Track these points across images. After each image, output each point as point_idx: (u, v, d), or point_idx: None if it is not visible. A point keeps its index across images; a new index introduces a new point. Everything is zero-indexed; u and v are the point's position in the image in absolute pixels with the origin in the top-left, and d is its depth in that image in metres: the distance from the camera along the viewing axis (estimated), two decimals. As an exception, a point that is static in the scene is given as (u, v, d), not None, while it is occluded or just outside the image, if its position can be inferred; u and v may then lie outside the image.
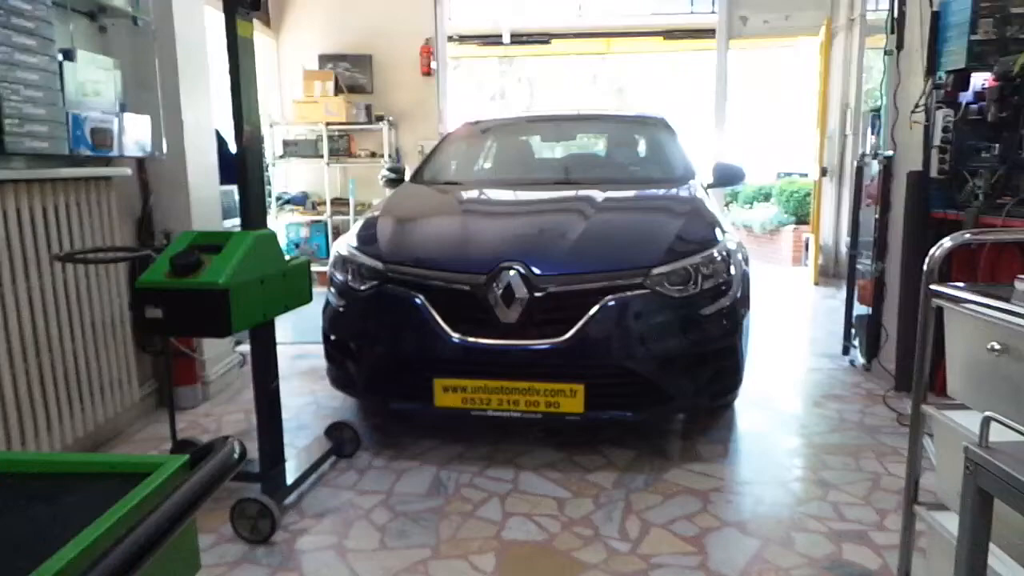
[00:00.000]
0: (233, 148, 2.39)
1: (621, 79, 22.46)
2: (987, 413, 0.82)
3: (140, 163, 3.21)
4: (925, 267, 1.21)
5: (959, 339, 1.12)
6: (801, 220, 9.67)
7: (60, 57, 2.54)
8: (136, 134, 2.93)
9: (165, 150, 3.18)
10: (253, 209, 2.37)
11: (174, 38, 3.26)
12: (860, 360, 3.96)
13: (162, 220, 3.30)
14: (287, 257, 2.46)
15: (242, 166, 2.33)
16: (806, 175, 10.38)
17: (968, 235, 1.24)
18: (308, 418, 3.29)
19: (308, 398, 3.57)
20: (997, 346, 0.97)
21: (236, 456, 0.92)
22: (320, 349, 3.09)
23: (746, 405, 3.37)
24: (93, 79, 2.71)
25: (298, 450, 2.71)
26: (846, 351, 4.17)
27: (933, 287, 1.18)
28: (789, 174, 11.60)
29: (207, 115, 3.54)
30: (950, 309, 1.15)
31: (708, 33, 7.59)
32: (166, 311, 2.14)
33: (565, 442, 2.92)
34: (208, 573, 2.04)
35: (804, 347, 4.56)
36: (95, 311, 2.78)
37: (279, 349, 2.57)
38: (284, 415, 2.80)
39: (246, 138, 2.31)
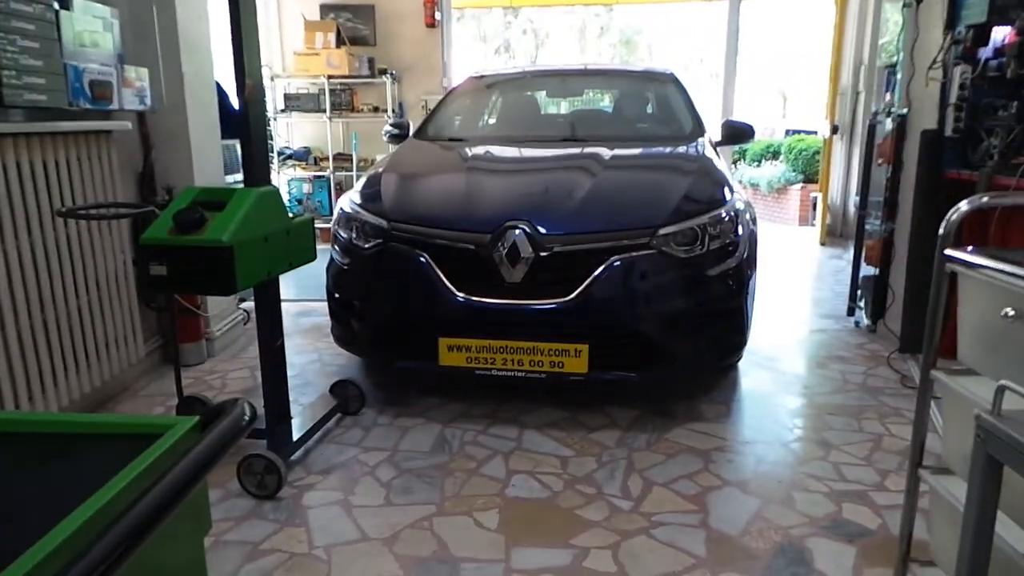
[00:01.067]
0: (235, 101, 2.35)
1: (629, 32, 21.99)
2: (1002, 381, 0.81)
3: (141, 117, 3.17)
4: (940, 231, 1.18)
5: (972, 305, 1.10)
6: (809, 179, 9.56)
7: (56, 5, 2.47)
8: (136, 87, 2.88)
9: (165, 103, 3.13)
10: (256, 165, 2.34)
11: (172, -12, 3.18)
12: (865, 321, 3.95)
13: (163, 175, 3.26)
14: (291, 214, 2.44)
15: (244, 121, 2.29)
16: (815, 133, 10.24)
17: (986, 198, 1.21)
18: (313, 375, 3.31)
19: (312, 355, 3.58)
20: (1011, 312, 0.96)
21: (247, 418, 0.92)
22: (324, 306, 3.10)
23: (750, 365, 3.37)
24: (90, 29, 2.65)
25: (303, 407, 2.73)
26: (851, 312, 4.16)
27: (948, 252, 1.15)
28: (797, 131, 11.44)
29: (208, 67, 3.48)
30: (964, 274, 1.13)
31: (719, -16, 7.38)
32: (170, 268, 2.13)
33: (568, 401, 2.94)
34: (216, 528, 2.07)
35: (809, 307, 4.55)
36: (98, 267, 2.77)
37: (283, 306, 2.56)
38: (289, 372, 2.81)
39: (248, 93, 2.26)
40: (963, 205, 1.17)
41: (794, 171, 9.81)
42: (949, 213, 1.19)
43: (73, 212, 2.35)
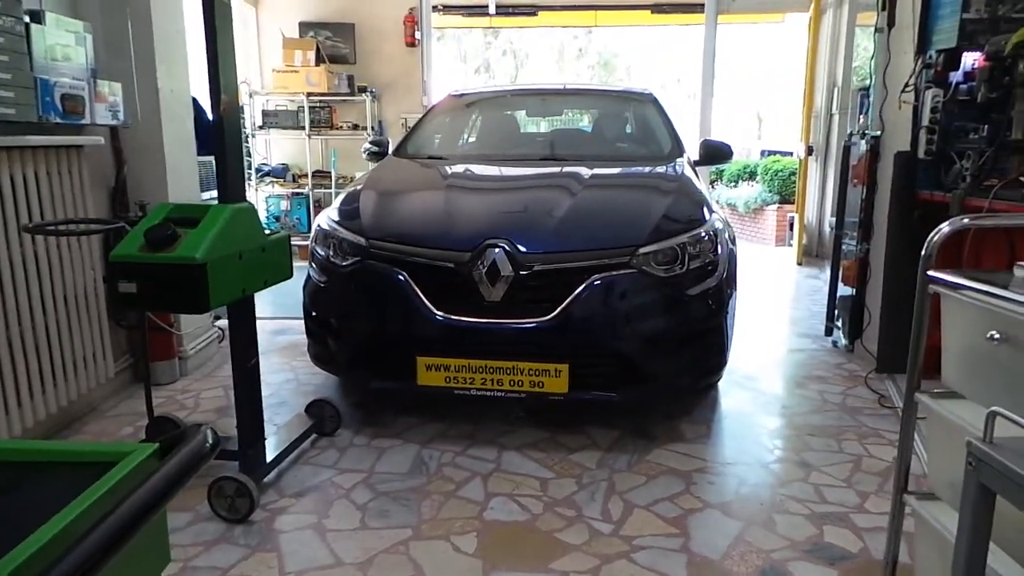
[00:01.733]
0: (212, 117, 2.31)
1: (607, 53, 22.25)
2: (993, 408, 0.80)
3: (114, 132, 3.11)
4: (923, 252, 1.18)
5: (956, 327, 1.09)
6: (785, 199, 9.68)
7: (27, 19, 2.42)
8: (109, 101, 2.83)
9: (139, 118, 3.08)
10: (231, 181, 2.29)
11: (149, 3, 3.14)
12: (843, 341, 3.98)
13: (137, 191, 3.20)
14: (267, 231, 2.40)
15: (219, 137, 2.25)
16: (790, 154, 10.39)
17: (967, 220, 1.22)
18: (288, 394, 3.25)
19: (288, 374, 3.52)
20: (996, 335, 0.95)
21: (209, 445, 0.87)
22: (301, 324, 3.04)
23: (729, 385, 3.37)
24: (63, 43, 2.60)
25: (278, 428, 2.67)
26: (829, 332, 4.18)
27: (931, 273, 1.15)
28: (773, 152, 11.60)
29: (184, 83, 3.43)
30: (948, 296, 1.13)
31: (696, 7, 7.49)
32: (140, 286, 2.08)
33: (548, 421, 2.91)
34: (184, 552, 2.00)
35: (787, 327, 4.57)
36: (67, 284, 2.70)
37: (259, 324, 2.51)
38: (264, 391, 2.74)
39: (224, 107, 2.23)
40: (945, 227, 1.17)
41: (770, 191, 9.93)
42: (931, 235, 1.19)
43: (41, 228, 2.29)
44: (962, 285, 1.05)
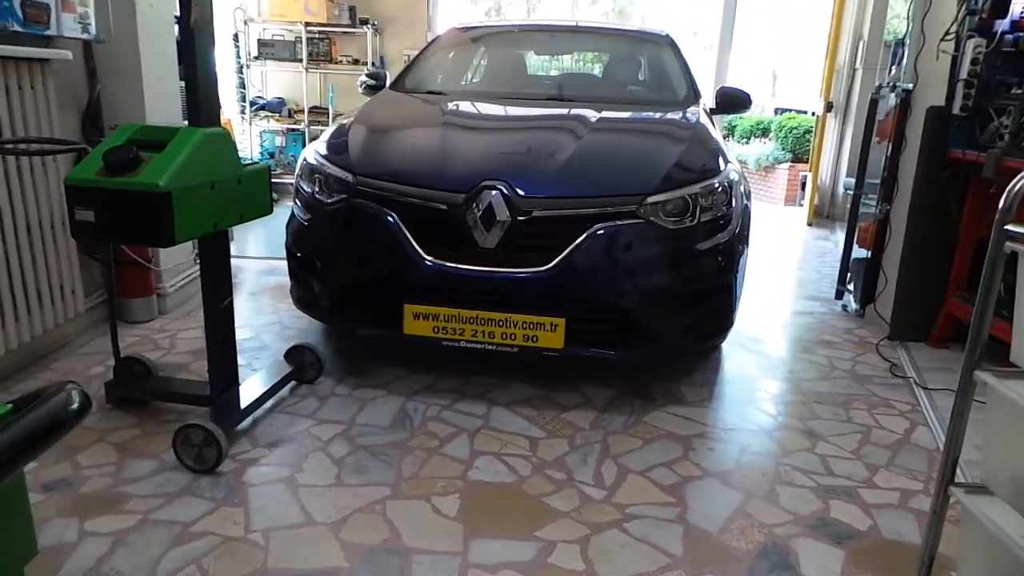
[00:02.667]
0: (178, 28, 2.08)
1: (623, 1, 21.53)
2: None
3: (87, 48, 2.87)
4: (1001, 204, 0.99)
5: None
6: (798, 158, 9.40)
7: (-20, -89, 2.18)
8: (78, 12, 2.59)
9: (113, 34, 2.84)
10: (203, 103, 2.08)
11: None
12: (853, 305, 3.80)
13: (112, 114, 2.98)
14: (245, 162, 2.20)
15: (189, 52, 2.03)
16: (805, 112, 10.04)
17: None
18: (270, 338, 3.09)
19: (272, 317, 3.35)
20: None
21: (74, 408, 0.69)
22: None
23: (733, 347, 3.21)
24: (23, -58, 2.35)
25: (254, 373, 2.51)
26: (839, 295, 4.01)
27: (1009, 227, 0.96)
28: (787, 110, 11.23)
29: (164, -1, 3.18)
30: None
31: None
32: (99, 214, 1.89)
33: (541, 377, 2.75)
34: (143, 504, 1.87)
35: (794, 288, 4.39)
36: (29, 210, 2.50)
37: (247, 263, 2.34)
38: (246, 334, 2.59)
39: (194, 20, 2.00)
40: (1027, 178, 0.98)
41: (783, 149, 9.64)
42: (1012, 183, 1.00)
43: (-7, 146, 2.09)
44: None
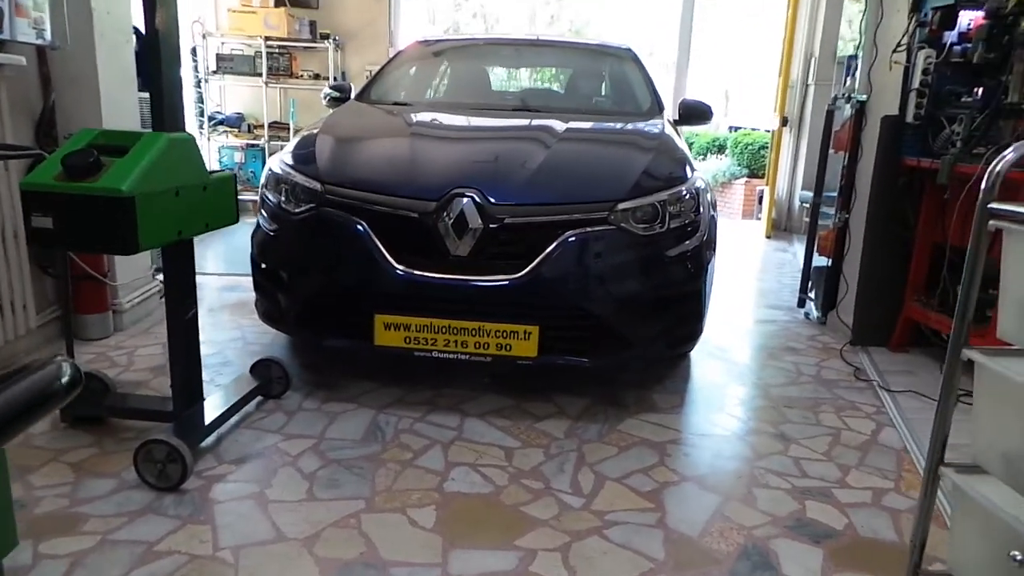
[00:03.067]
0: (144, 30, 2.03)
1: (580, 22, 21.86)
2: None
3: (40, 55, 2.78)
4: (984, 184, 1.02)
5: (1021, 266, 0.93)
6: (754, 173, 9.63)
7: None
8: (32, 17, 2.51)
9: (69, 41, 2.75)
10: (168, 108, 2.03)
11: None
12: (815, 313, 3.88)
13: (66, 124, 2.89)
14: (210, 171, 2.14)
15: (154, 56, 1.98)
16: (757, 130, 10.29)
17: None
18: (233, 354, 3.00)
19: (235, 332, 3.26)
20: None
21: (64, 382, 0.65)
22: (249, 282, 2.79)
23: (701, 355, 3.23)
24: (-27, -56, 2.27)
25: (219, 388, 2.43)
26: (802, 303, 4.08)
27: (993, 205, 0.98)
28: (739, 128, 11.51)
29: (123, 4, 3.10)
30: (1012, 231, 0.97)
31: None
32: (57, 220, 1.82)
33: (514, 388, 2.73)
34: (104, 524, 1.78)
35: (757, 299, 4.46)
36: (-20, 222, 2.40)
37: (206, 280, 2.28)
38: (208, 350, 2.51)
39: (159, 21, 1.95)
40: (1009, 154, 1.01)
41: (739, 165, 9.87)
42: (993, 163, 1.02)
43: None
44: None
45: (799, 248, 4.98)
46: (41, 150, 2.31)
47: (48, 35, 2.62)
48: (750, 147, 9.78)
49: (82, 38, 2.87)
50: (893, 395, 2.84)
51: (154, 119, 2.04)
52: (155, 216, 1.87)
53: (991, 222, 0.98)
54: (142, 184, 1.81)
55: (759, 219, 7.76)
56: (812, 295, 3.97)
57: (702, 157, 10.79)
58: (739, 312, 4.05)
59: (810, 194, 4.16)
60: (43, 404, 0.63)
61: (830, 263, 3.71)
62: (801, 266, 4.14)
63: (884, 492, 2.11)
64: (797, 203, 6.93)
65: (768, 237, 6.76)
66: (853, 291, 3.50)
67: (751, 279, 5.04)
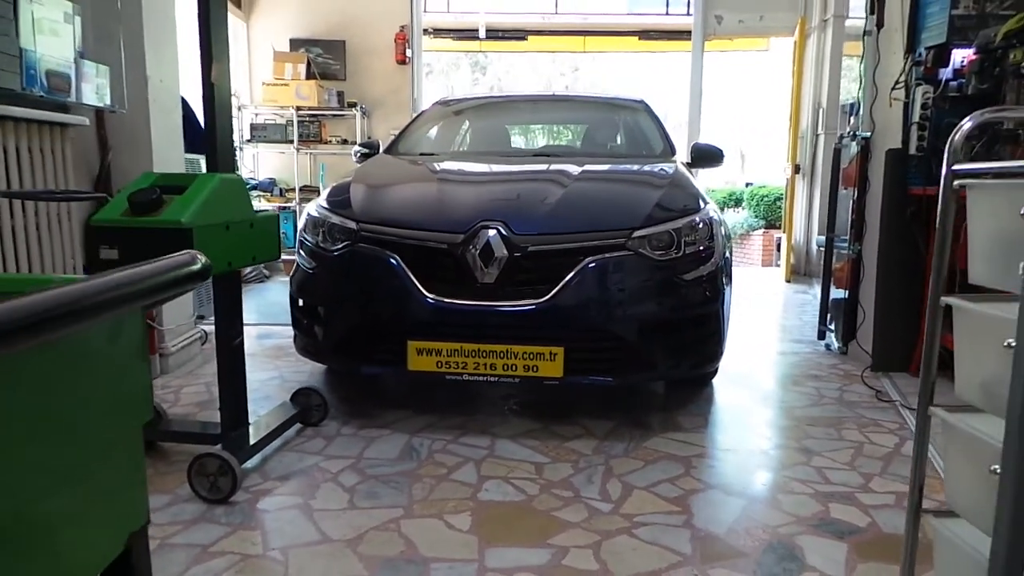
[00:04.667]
0: (199, 114, 2.27)
1: (593, 91, 22.60)
2: None
3: (100, 117, 3.06)
4: (947, 149, 1.15)
5: (985, 216, 1.06)
6: (771, 224, 9.79)
7: (14, -10, 2.39)
8: (95, 83, 2.78)
9: (127, 105, 3.03)
10: (221, 150, 2.24)
11: (140, -9, 3.12)
12: (836, 344, 3.94)
13: (121, 180, 3.14)
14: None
15: (210, 104, 2.20)
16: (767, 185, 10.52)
17: (987, 113, 1.19)
18: (272, 390, 3.14)
19: (273, 372, 3.41)
20: (1032, 211, 0.91)
21: (195, 268, 0.81)
22: (284, 330, 2.96)
23: (724, 383, 3.31)
24: (51, 18, 2.56)
25: (262, 415, 2.56)
26: (822, 335, 4.15)
27: (956, 167, 1.11)
28: (750, 184, 11.77)
29: (173, 74, 3.40)
30: (975, 185, 1.09)
31: (682, 35, 7.62)
32: (122, 252, 2.00)
33: (541, 413, 2.83)
34: (161, 531, 1.89)
35: (779, 334, 4.53)
36: (43, 261, 2.61)
37: (244, 328, 2.43)
38: (248, 387, 2.65)
39: (215, 75, 2.19)
40: (967, 122, 1.14)
41: (756, 217, 10.04)
42: (954, 131, 1.16)
43: (20, 194, 2.21)
44: (989, 171, 1.02)
45: (818, 290, 5.07)
46: (103, 193, 2.52)
47: (108, 99, 2.90)
48: (765, 199, 9.97)
49: (137, 102, 3.15)
50: (916, 412, 2.89)
51: (208, 160, 2.25)
52: (208, 247, 2.04)
53: (955, 182, 1.11)
54: (199, 218, 2.00)
55: (778, 265, 7.86)
56: (832, 327, 4.04)
57: (720, 210, 10.99)
58: (761, 347, 4.13)
59: (824, 238, 4.28)
60: (184, 280, 0.78)
61: (847, 294, 3.80)
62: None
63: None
64: (814, 247, 7.03)
65: (788, 281, 6.85)
66: (871, 319, 3.58)
67: (772, 318, 5.11)
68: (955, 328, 1.14)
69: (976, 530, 1.06)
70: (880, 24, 3.50)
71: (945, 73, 3.20)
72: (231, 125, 2.30)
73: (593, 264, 2.51)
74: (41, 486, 0.74)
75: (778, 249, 8.15)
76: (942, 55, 3.16)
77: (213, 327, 2.35)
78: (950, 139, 1.15)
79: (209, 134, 2.22)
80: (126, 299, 0.73)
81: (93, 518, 0.85)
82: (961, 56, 3.17)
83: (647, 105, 4.24)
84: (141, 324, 0.94)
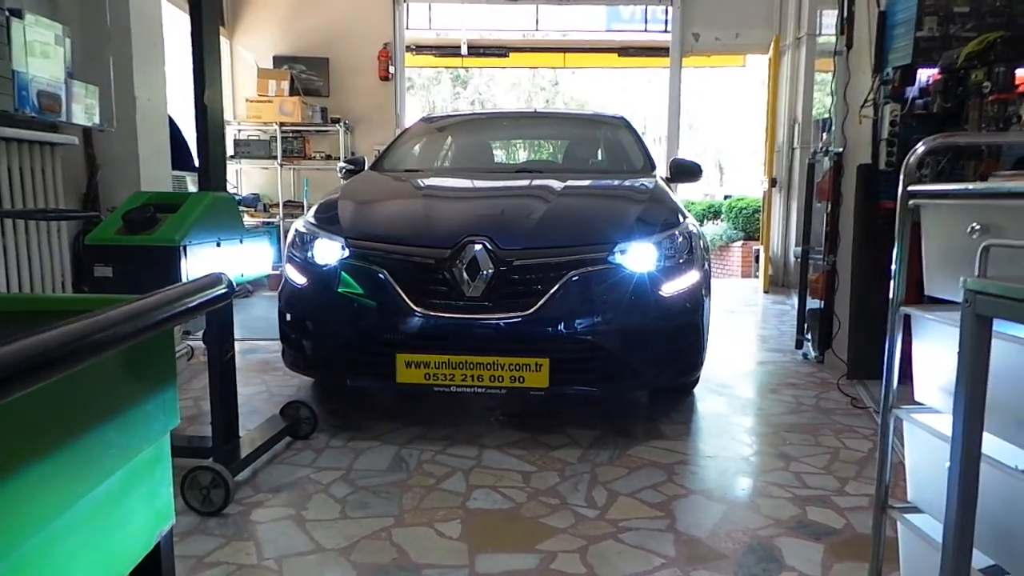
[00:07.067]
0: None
1: (574, 104, 22.84)
2: (987, 242, 0.84)
3: (87, 136, 3.09)
4: (902, 171, 1.24)
5: (937, 233, 1.14)
6: (749, 235, 9.96)
7: (7, 13, 2.43)
8: (85, 104, 2.82)
9: (115, 125, 3.07)
10: (213, 170, 2.29)
11: (128, 13, 3.17)
12: (813, 353, 4.04)
13: (109, 197, 3.17)
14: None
15: (202, 125, 2.26)
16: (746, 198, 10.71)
17: (939, 139, 1.28)
18: (260, 404, 3.17)
19: (260, 387, 3.44)
20: (977, 227, 0.99)
21: (222, 289, 0.87)
22: (271, 345, 3.01)
23: (705, 392, 3.39)
24: (42, 40, 2.60)
25: (251, 428, 2.60)
26: (799, 345, 4.25)
27: (911, 188, 1.20)
28: (729, 197, 11.97)
29: (160, 95, 3.44)
30: (928, 205, 1.18)
31: (661, 51, 7.76)
32: (116, 270, 2.04)
33: (527, 424, 2.89)
34: (156, 543, 1.92)
35: (758, 344, 4.64)
36: (32, 280, 2.64)
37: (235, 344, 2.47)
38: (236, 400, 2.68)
39: (207, 98, 2.24)
40: (920, 147, 1.23)
41: (735, 228, 10.21)
42: (908, 154, 1.25)
43: (15, 213, 2.25)
44: (940, 191, 1.11)
45: (796, 301, 5.19)
46: (96, 212, 2.56)
47: (98, 118, 2.94)
48: (744, 211, 10.14)
49: (126, 121, 3.19)
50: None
51: (200, 179, 2.30)
52: (201, 264, 2.10)
53: (911, 201, 1.20)
54: (191, 236, 2.05)
55: (757, 276, 8.00)
56: (808, 336, 4.15)
57: (699, 223, 11.16)
58: (740, 356, 4.22)
59: (801, 249, 4.40)
60: (215, 300, 0.84)
61: (822, 304, 3.91)
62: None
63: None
64: (792, 259, 7.17)
65: (766, 292, 6.98)
66: (846, 328, 3.68)
67: (752, 328, 5.22)
68: (913, 336, 1.22)
69: (937, 523, 1.14)
70: (849, 44, 3.64)
71: (912, 92, 3.32)
72: (224, 146, 2.35)
73: (576, 277, 2.58)
74: (84, 485, 0.80)
75: (757, 260, 8.29)
76: (908, 75, 3.29)
77: (200, 342, 2.39)
78: (904, 162, 1.24)
79: (201, 154, 2.27)
80: (167, 320, 0.79)
81: (128, 517, 0.91)
82: (926, 76, 3.30)
83: (627, 121, 4.35)
84: (171, 339, 1.00)
